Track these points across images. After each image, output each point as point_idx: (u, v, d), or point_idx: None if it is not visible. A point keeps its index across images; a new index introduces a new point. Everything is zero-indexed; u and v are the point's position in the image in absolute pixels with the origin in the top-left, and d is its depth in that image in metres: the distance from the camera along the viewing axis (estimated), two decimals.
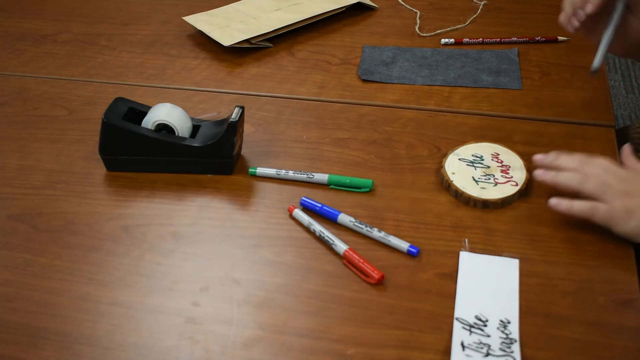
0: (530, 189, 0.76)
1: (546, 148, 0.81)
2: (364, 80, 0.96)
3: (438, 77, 0.96)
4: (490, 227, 0.72)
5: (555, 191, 0.75)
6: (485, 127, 0.85)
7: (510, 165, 0.78)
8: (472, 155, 0.79)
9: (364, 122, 0.88)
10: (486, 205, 0.74)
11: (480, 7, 1.12)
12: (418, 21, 1.09)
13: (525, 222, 0.72)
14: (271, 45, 1.05)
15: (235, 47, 1.03)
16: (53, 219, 0.76)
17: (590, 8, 0.78)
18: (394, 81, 0.95)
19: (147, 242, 0.72)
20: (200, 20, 1.09)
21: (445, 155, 0.80)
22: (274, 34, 1.05)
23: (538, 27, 1.05)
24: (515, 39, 1.02)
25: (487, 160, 0.79)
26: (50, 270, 0.70)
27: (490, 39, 1.03)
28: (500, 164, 0.78)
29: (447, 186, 0.76)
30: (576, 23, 0.80)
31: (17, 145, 0.87)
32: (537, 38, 1.02)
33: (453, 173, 0.77)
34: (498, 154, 0.79)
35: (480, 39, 1.03)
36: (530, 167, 0.77)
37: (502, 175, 0.76)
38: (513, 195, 0.74)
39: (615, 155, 0.79)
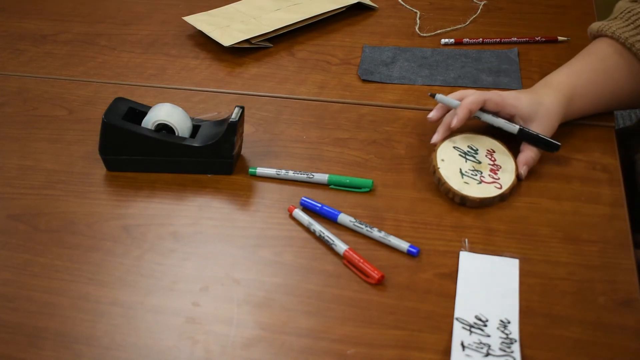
0: (513, 195, 0.75)
1: None
2: (364, 80, 0.96)
3: (438, 77, 0.96)
4: (490, 227, 0.72)
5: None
6: (485, 127, 0.85)
7: (502, 166, 0.77)
8: (468, 147, 0.79)
9: (364, 122, 0.88)
10: (463, 201, 0.73)
11: (480, 7, 1.12)
12: (418, 21, 1.09)
13: (525, 222, 0.72)
14: (271, 45, 1.05)
15: (235, 47, 1.03)
16: (53, 219, 0.76)
17: (456, 123, 0.76)
18: (394, 81, 0.95)
19: (147, 242, 0.72)
20: (200, 20, 1.09)
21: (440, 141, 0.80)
22: (274, 34, 1.05)
23: (538, 27, 1.05)
24: (515, 39, 1.02)
25: (481, 155, 0.78)
26: (50, 270, 0.70)
27: (490, 39, 1.03)
28: (492, 163, 0.77)
29: (433, 171, 0.76)
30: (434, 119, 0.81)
31: (17, 145, 0.87)
32: (537, 38, 1.02)
33: (442, 160, 0.77)
34: (494, 151, 0.78)
35: (480, 39, 1.03)
36: (519, 173, 0.77)
37: (489, 175, 0.76)
38: (493, 198, 0.73)
39: (615, 156, 0.79)
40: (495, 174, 0.76)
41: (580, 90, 0.81)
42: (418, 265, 0.68)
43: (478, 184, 0.74)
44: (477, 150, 0.79)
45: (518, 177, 0.76)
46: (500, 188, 0.74)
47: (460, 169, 0.76)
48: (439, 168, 0.76)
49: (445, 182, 0.74)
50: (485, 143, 0.80)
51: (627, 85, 0.83)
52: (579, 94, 0.81)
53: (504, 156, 0.78)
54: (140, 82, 0.99)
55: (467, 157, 0.78)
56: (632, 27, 0.81)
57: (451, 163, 0.76)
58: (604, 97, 0.83)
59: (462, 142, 0.79)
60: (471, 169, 0.76)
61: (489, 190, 0.74)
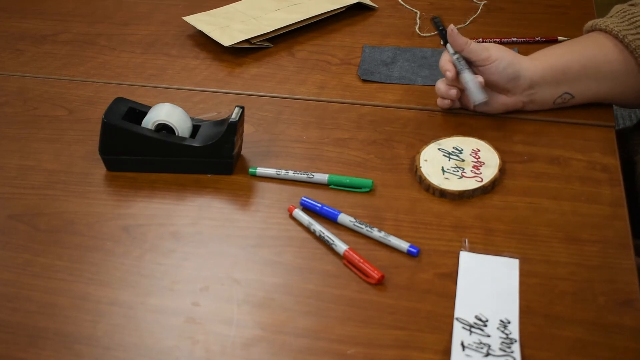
0: (495, 187, 0.75)
1: (546, 148, 0.81)
2: (364, 80, 0.96)
3: (438, 77, 0.95)
4: (490, 227, 0.72)
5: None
6: (486, 127, 0.85)
7: (485, 162, 0.78)
8: (453, 148, 0.80)
9: (364, 122, 0.88)
10: (443, 194, 0.74)
11: (480, 7, 1.12)
12: (418, 21, 1.10)
13: (525, 222, 0.72)
14: (271, 45, 1.05)
15: (235, 47, 1.03)
16: (53, 219, 0.76)
17: (450, 76, 0.83)
18: (394, 81, 0.95)
19: (147, 242, 0.72)
20: (200, 20, 1.09)
21: (427, 143, 0.81)
22: (274, 34, 1.05)
23: (538, 27, 1.05)
24: (515, 39, 1.02)
25: (465, 154, 0.79)
26: (50, 270, 0.70)
27: (490, 39, 1.03)
28: (476, 160, 0.78)
29: (415, 170, 0.77)
30: (448, 103, 0.86)
31: (17, 145, 0.87)
32: (537, 38, 1.02)
33: (425, 160, 0.78)
34: (479, 150, 0.79)
35: (480, 39, 1.03)
36: (503, 167, 0.77)
37: (471, 170, 0.76)
38: (473, 190, 0.74)
39: (615, 156, 0.79)
40: (478, 169, 0.77)
41: (558, 59, 0.83)
42: (418, 265, 0.68)
43: (459, 178, 0.75)
44: (462, 150, 0.80)
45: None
46: (481, 181, 0.75)
47: (442, 167, 0.77)
48: (420, 167, 0.77)
49: (425, 179, 0.75)
50: (471, 144, 0.80)
51: (616, 73, 0.82)
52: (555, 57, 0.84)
53: (489, 153, 0.79)
54: (140, 82, 0.99)
55: (451, 156, 0.79)
56: (627, 23, 0.81)
57: (434, 163, 0.78)
58: (584, 75, 0.83)
59: (448, 143, 0.80)
60: (453, 167, 0.77)
61: (468, 184, 0.75)
